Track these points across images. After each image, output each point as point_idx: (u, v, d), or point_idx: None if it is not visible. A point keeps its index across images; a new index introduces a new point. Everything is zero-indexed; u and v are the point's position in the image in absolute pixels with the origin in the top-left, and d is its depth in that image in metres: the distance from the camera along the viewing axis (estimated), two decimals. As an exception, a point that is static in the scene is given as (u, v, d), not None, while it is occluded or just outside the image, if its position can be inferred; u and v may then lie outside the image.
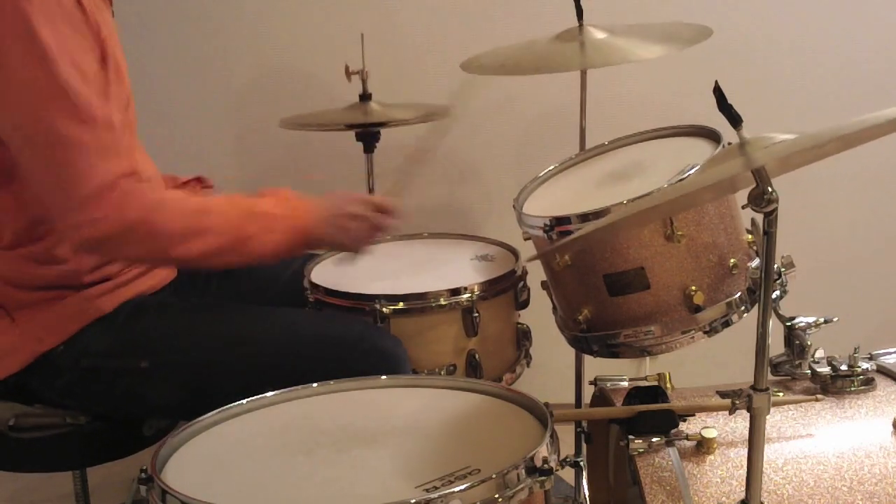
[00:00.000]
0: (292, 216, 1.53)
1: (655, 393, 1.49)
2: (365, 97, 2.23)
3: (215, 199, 1.56)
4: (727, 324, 1.53)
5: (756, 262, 1.55)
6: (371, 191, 2.34)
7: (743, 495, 1.21)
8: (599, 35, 1.92)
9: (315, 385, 1.38)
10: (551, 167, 1.84)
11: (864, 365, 1.51)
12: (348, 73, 2.20)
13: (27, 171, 1.42)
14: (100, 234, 1.39)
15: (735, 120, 1.12)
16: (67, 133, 1.35)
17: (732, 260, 1.54)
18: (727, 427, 1.44)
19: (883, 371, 1.56)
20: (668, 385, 1.56)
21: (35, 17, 1.33)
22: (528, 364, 1.86)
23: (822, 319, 1.54)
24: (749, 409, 1.18)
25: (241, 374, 1.54)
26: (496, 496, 1.04)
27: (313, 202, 1.57)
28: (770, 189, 1.08)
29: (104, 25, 1.46)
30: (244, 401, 1.33)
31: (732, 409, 1.20)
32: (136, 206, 1.39)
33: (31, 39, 1.33)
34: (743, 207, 1.18)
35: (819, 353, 1.55)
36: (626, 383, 1.59)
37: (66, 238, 1.47)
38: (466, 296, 1.70)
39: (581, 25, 1.94)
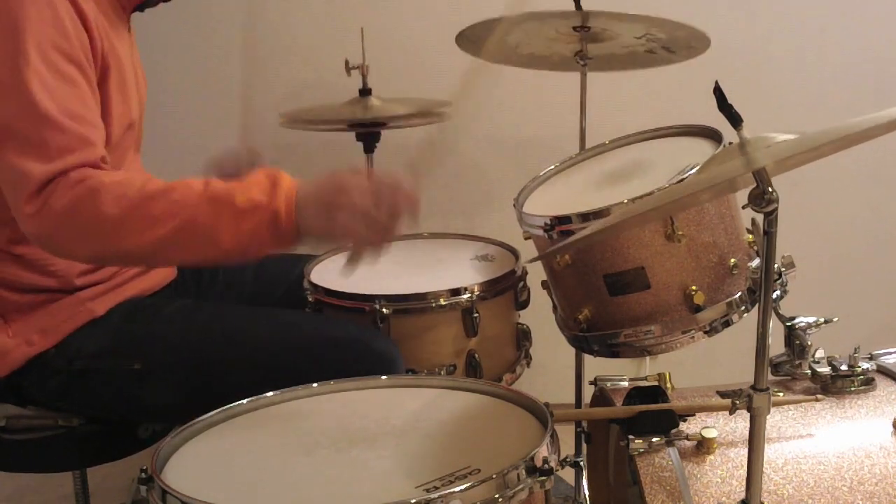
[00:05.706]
0: (267, 205, 1.27)
1: (655, 393, 1.49)
2: (365, 92, 2.23)
3: (175, 182, 1.32)
4: (727, 324, 1.53)
5: (756, 262, 1.55)
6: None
7: (743, 495, 1.21)
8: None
9: (315, 385, 1.38)
10: (551, 167, 1.84)
11: (864, 365, 1.52)
12: (348, 68, 2.19)
13: None
14: (40, 229, 1.31)
15: (735, 120, 1.12)
16: (17, 129, 1.30)
17: (733, 260, 1.54)
18: (727, 427, 1.44)
19: (883, 371, 1.56)
20: (668, 385, 1.56)
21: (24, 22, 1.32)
22: (528, 364, 1.85)
23: (822, 319, 1.54)
24: (749, 409, 1.18)
25: (233, 377, 1.53)
26: (496, 496, 1.04)
27: (303, 187, 1.30)
28: (770, 189, 1.08)
29: (112, 47, 1.46)
30: (244, 401, 1.33)
31: (732, 409, 1.20)
32: (71, 194, 1.28)
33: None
34: (743, 207, 1.17)
35: (819, 353, 1.55)
36: (626, 383, 1.59)
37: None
38: (466, 296, 1.70)
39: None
